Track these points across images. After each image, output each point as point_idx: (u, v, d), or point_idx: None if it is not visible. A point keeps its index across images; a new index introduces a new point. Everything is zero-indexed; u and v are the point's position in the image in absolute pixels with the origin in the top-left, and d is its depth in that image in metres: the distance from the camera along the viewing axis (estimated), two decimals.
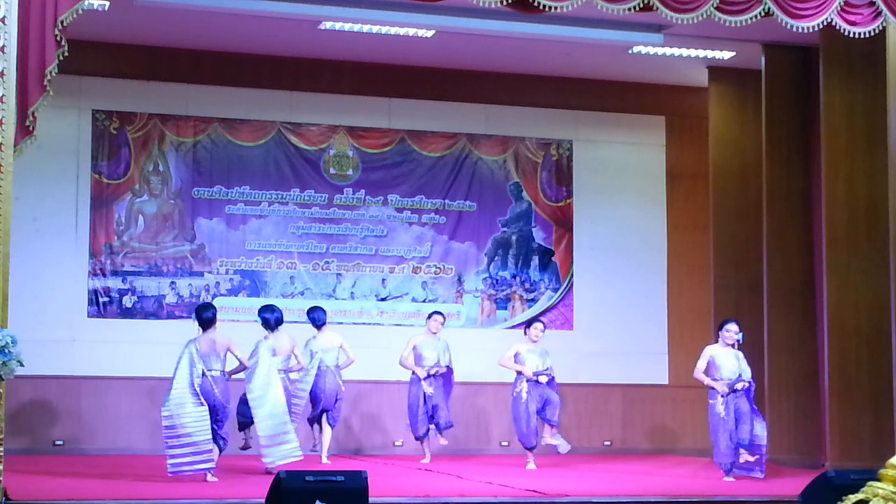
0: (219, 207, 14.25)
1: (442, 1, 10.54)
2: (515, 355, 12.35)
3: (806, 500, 8.02)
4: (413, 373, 12.59)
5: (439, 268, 14.89)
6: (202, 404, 10.11)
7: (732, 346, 11.38)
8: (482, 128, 15.08)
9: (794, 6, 10.09)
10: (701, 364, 11.33)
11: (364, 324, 14.41)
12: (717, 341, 11.51)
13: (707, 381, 11.29)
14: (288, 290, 14.35)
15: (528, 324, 12.88)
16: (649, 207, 15.48)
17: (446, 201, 14.94)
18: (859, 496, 4.45)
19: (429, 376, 12.53)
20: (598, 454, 14.06)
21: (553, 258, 15.26)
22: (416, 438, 12.73)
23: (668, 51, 13.80)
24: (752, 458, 11.18)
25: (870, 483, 4.47)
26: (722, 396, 11.17)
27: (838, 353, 12.44)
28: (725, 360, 11.29)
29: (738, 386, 11.16)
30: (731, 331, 11.38)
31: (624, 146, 15.51)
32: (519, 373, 12.28)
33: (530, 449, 12.24)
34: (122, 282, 13.86)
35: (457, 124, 15.00)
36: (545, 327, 12.73)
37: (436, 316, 12.82)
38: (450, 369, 12.66)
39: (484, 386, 14.38)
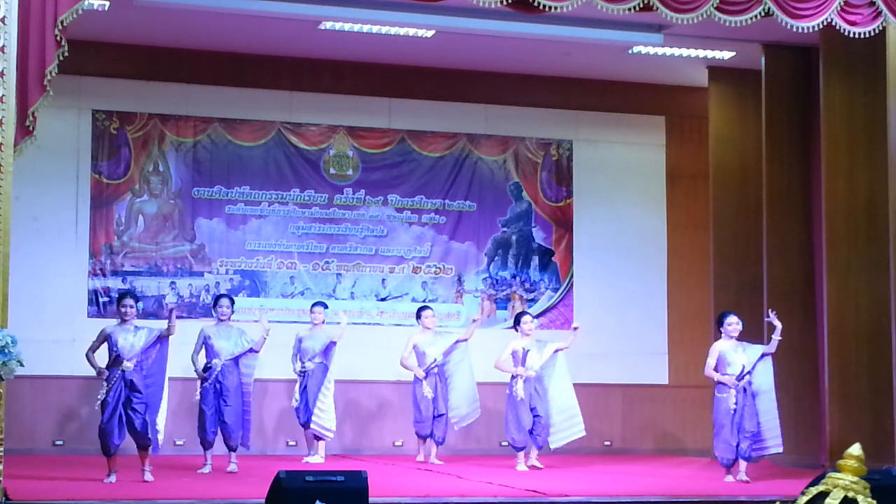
0: (219, 207, 14.25)
1: (442, 1, 10.55)
2: (513, 353, 12.27)
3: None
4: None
5: (439, 268, 14.89)
6: None
7: (735, 337, 11.36)
8: (482, 128, 15.08)
9: (794, 6, 10.10)
10: (711, 361, 11.30)
11: (364, 324, 14.40)
12: (719, 337, 11.47)
13: (717, 376, 11.26)
14: (288, 290, 14.35)
15: (516, 320, 12.65)
16: (649, 207, 15.48)
17: (446, 201, 14.94)
18: (820, 488, 4.44)
19: (428, 375, 12.54)
20: (598, 454, 14.05)
21: (553, 258, 15.26)
22: (419, 436, 12.73)
23: (668, 51, 13.80)
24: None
25: (830, 474, 4.47)
26: (735, 390, 11.14)
27: (838, 353, 12.44)
28: (734, 354, 11.27)
29: (743, 382, 11.16)
30: (734, 323, 11.37)
31: (624, 146, 15.51)
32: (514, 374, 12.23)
33: (520, 450, 12.17)
34: (123, 282, 13.85)
35: (457, 124, 15.00)
36: (534, 317, 12.73)
37: (426, 311, 12.81)
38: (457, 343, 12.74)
39: (484, 386, 14.31)
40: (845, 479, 4.40)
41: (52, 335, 13.31)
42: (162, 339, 10.26)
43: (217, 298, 11.90)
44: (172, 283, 14.01)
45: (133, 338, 10.16)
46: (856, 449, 4.48)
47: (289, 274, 14.41)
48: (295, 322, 13.45)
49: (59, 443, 13.35)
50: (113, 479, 9.91)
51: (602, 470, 12.25)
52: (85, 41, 11.94)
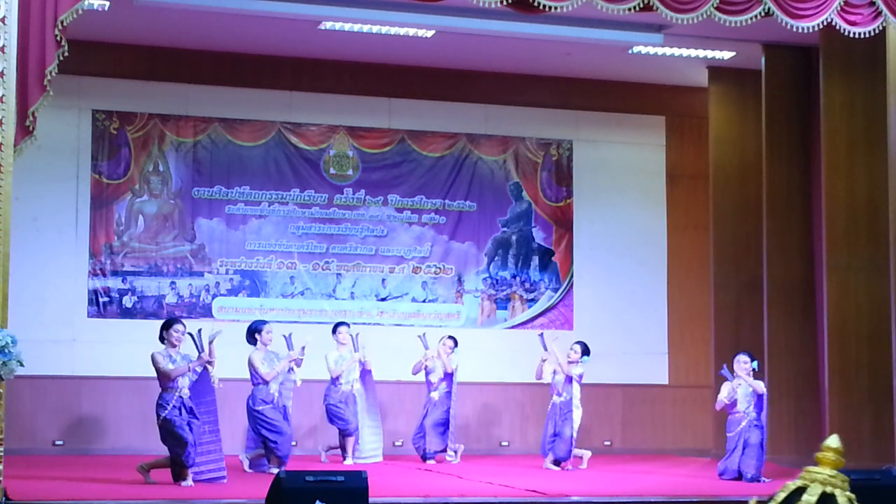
0: (219, 207, 14.24)
1: (442, 1, 10.55)
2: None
3: None
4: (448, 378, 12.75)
5: (439, 268, 14.89)
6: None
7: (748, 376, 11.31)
8: (482, 128, 15.08)
9: (794, 6, 10.10)
10: (722, 397, 11.36)
11: (364, 324, 14.38)
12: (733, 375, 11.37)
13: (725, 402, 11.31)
14: (288, 290, 14.35)
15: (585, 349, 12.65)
16: (649, 207, 15.48)
17: (446, 201, 14.93)
18: (798, 482, 4.34)
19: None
20: (598, 454, 14.03)
21: (553, 258, 15.25)
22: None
23: (668, 51, 13.80)
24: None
25: (807, 468, 4.36)
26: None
27: (838, 353, 12.44)
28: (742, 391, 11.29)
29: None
30: (740, 361, 11.33)
31: (624, 146, 15.51)
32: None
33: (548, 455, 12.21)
34: (122, 282, 13.86)
35: (457, 124, 15.00)
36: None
37: (447, 341, 12.83)
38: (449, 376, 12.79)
39: (483, 386, 14.40)
40: (823, 472, 4.28)
41: (52, 335, 13.31)
42: (204, 370, 10.26)
43: (261, 325, 11.50)
44: (172, 283, 14.01)
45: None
46: (833, 441, 4.36)
47: (289, 274, 14.41)
48: (294, 322, 13.44)
49: (59, 443, 13.35)
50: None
51: (602, 470, 12.25)
52: (85, 41, 11.94)
